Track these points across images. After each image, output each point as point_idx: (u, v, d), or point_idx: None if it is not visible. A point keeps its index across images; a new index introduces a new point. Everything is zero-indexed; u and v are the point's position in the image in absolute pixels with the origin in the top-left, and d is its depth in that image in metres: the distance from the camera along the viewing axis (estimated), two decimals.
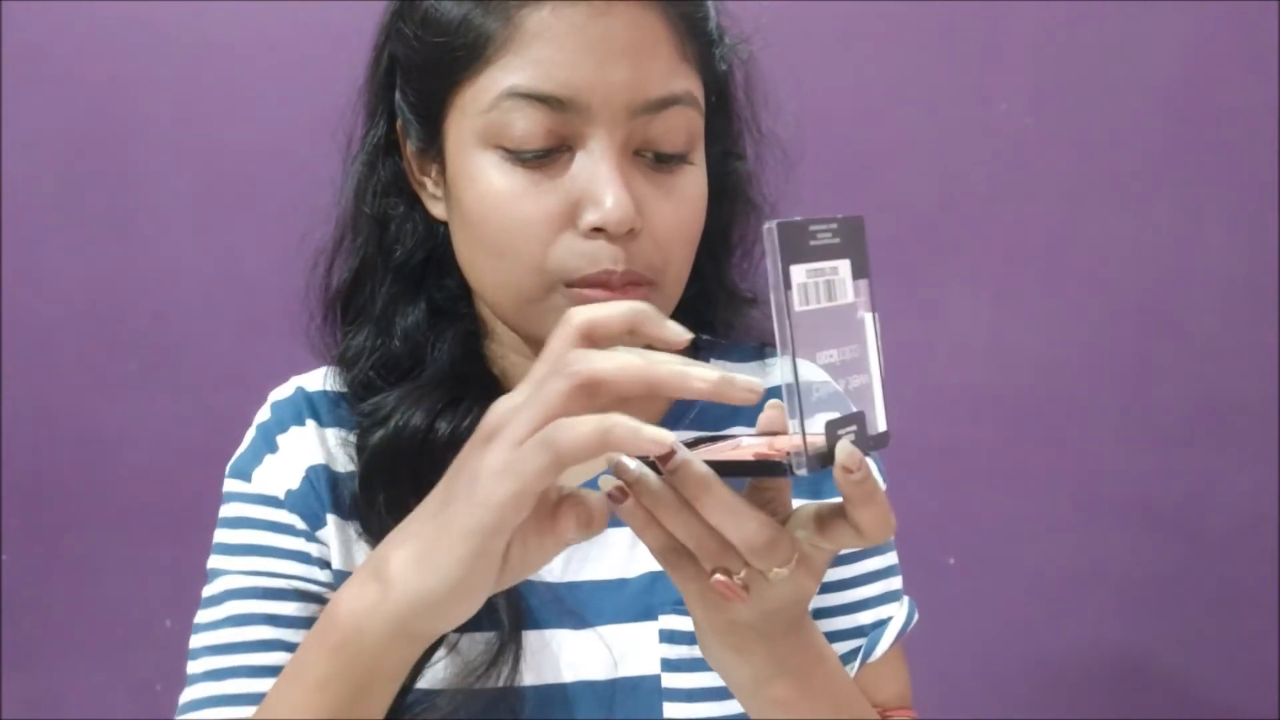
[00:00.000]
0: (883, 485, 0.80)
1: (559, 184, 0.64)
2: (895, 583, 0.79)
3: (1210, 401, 1.53)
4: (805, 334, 0.47)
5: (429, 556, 0.50)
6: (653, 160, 0.66)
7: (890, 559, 0.79)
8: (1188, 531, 1.54)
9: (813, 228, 0.47)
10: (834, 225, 0.48)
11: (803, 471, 0.47)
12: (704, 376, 0.47)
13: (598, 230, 0.63)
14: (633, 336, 0.51)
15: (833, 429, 0.47)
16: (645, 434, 0.46)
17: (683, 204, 0.67)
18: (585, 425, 0.46)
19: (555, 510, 0.52)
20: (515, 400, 0.50)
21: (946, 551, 1.56)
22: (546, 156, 0.64)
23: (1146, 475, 1.54)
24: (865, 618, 0.77)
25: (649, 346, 0.51)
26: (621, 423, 0.46)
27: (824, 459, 0.47)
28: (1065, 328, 1.52)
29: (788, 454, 0.47)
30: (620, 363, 0.47)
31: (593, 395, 0.47)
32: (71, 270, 1.48)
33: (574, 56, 0.62)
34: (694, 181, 0.68)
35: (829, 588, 0.77)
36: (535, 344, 0.71)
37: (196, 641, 0.70)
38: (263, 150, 1.46)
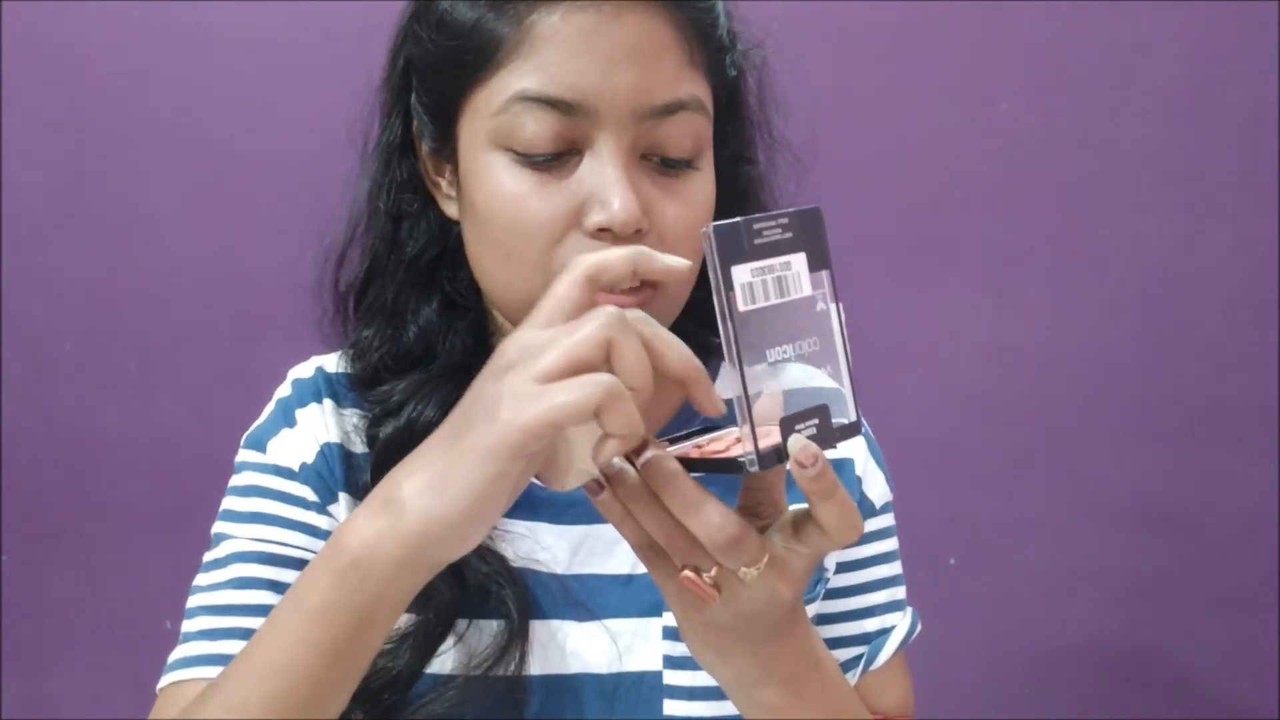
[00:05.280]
0: (889, 495, 0.80)
1: (566, 185, 0.64)
2: (900, 592, 0.80)
3: (1210, 401, 1.53)
4: (751, 333, 0.47)
5: (445, 480, 0.50)
6: (659, 164, 0.66)
7: (895, 568, 0.80)
8: (1188, 531, 1.54)
9: (757, 226, 0.48)
10: (784, 220, 0.48)
11: (755, 468, 0.47)
12: (711, 397, 0.50)
13: (604, 231, 0.63)
14: (635, 276, 0.53)
15: (788, 424, 0.47)
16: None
17: (689, 206, 0.67)
18: (634, 410, 0.48)
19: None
20: (534, 337, 0.50)
21: (947, 551, 1.56)
22: (555, 159, 0.64)
23: (1146, 475, 1.54)
24: (870, 625, 0.78)
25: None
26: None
27: (781, 454, 0.47)
28: (1066, 327, 1.52)
29: (742, 451, 0.47)
30: (641, 352, 0.49)
31: (615, 353, 0.48)
32: (71, 270, 1.48)
33: (582, 62, 0.62)
34: (701, 185, 0.68)
35: (835, 594, 0.77)
36: None
37: (194, 601, 0.70)
38: (262, 150, 1.46)
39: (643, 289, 0.66)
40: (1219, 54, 1.47)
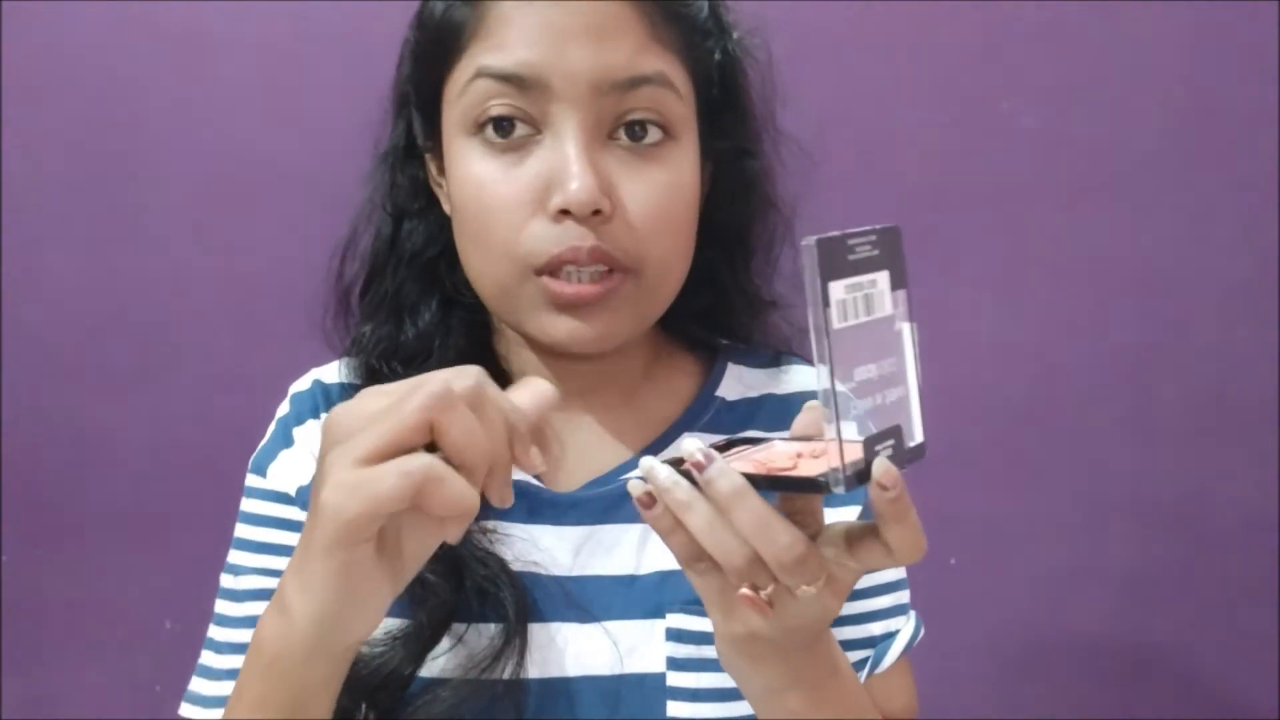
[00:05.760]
0: None
1: (528, 167, 0.65)
2: (904, 596, 0.80)
3: (1210, 401, 1.53)
4: (844, 351, 0.46)
5: (306, 579, 0.50)
6: (628, 143, 0.66)
7: (901, 572, 0.80)
8: (1188, 531, 1.54)
9: (851, 241, 0.46)
10: (873, 237, 0.47)
11: (840, 489, 0.46)
12: (504, 492, 0.48)
13: (565, 213, 0.63)
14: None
15: (870, 445, 0.46)
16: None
17: (659, 188, 0.66)
18: (458, 490, 0.47)
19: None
20: (357, 411, 0.49)
21: (947, 551, 1.56)
22: (519, 139, 0.65)
23: (1147, 475, 1.54)
24: (876, 629, 0.78)
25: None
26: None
27: (862, 476, 0.46)
28: (1066, 327, 1.52)
29: (825, 471, 0.46)
30: (469, 429, 0.47)
31: (438, 435, 0.47)
32: (71, 270, 1.48)
33: (535, 35, 0.63)
34: (677, 167, 0.67)
35: None
36: (519, 334, 0.72)
37: (220, 634, 0.72)
38: (262, 152, 1.46)
39: (611, 275, 0.65)
40: (1219, 54, 1.47)
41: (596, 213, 0.63)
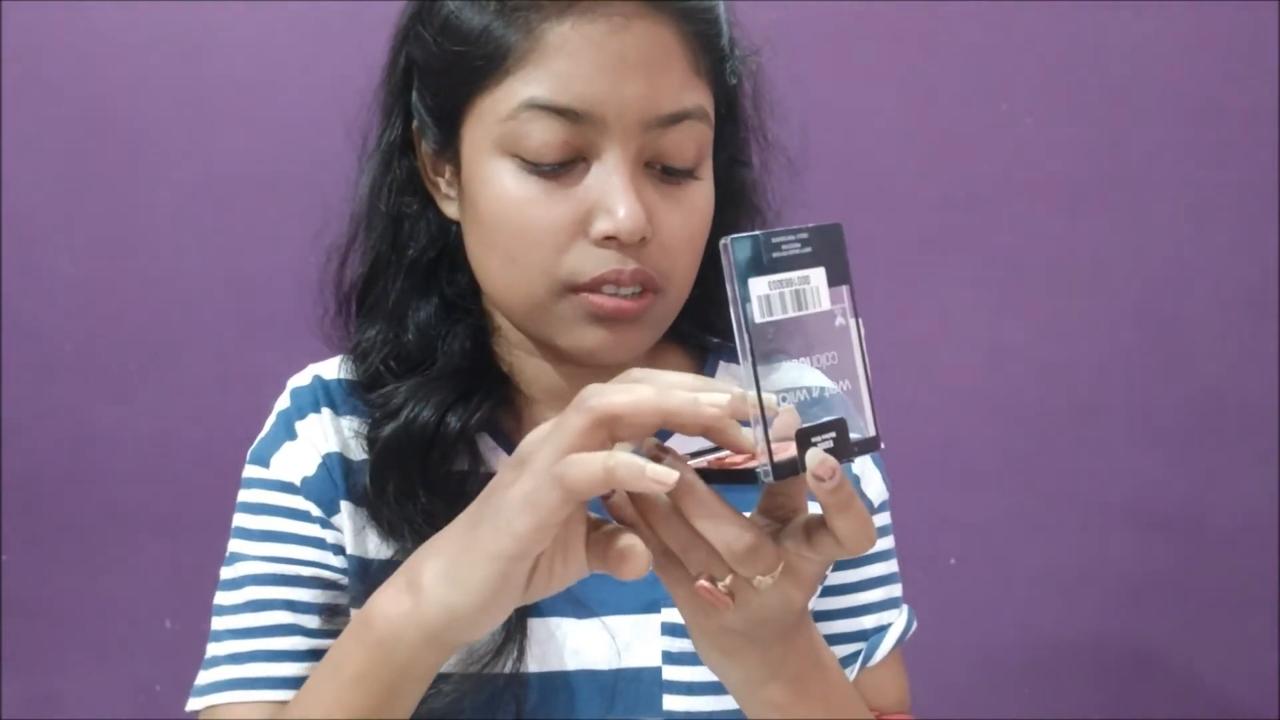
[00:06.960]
0: (886, 493, 0.81)
1: (572, 193, 0.65)
2: (896, 590, 0.80)
3: (1210, 401, 1.53)
4: (767, 345, 0.48)
5: (457, 573, 0.53)
6: (662, 172, 0.67)
7: (892, 566, 0.80)
8: (1188, 531, 1.54)
9: (775, 240, 0.48)
10: (803, 235, 0.49)
11: (769, 480, 0.47)
12: (715, 402, 0.48)
13: (610, 238, 0.65)
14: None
15: (804, 436, 0.48)
16: (649, 473, 0.47)
17: (690, 215, 0.68)
18: (593, 463, 0.48)
19: (590, 542, 0.54)
20: (544, 431, 0.51)
21: (947, 551, 1.56)
22: (561, 167, 0.65)
23: (1147, 475, 1.54)
24: (867, 622, 0.78)
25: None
26: (625, 462, 0.47)
27: (796, 467, 0.47)
28: (1065, 328, 1.52)
29: (758, 462, 0.48)
30: (635, 397, 0.49)
31: (611, 428, 0.49)
32: (71, 270, 1.48)
33: (592, 71, 0.63)
34: (702, 193, 0.69)
35: (832, 591, 0.78)
36: (541, 345, 0.72)
37: (219, 624, 0.72)
38: (263, 150, 1.46)
39: (645, 294, 0.67)
40: (1219, 54, 1.47)
41: (640, 240, 0.65)
